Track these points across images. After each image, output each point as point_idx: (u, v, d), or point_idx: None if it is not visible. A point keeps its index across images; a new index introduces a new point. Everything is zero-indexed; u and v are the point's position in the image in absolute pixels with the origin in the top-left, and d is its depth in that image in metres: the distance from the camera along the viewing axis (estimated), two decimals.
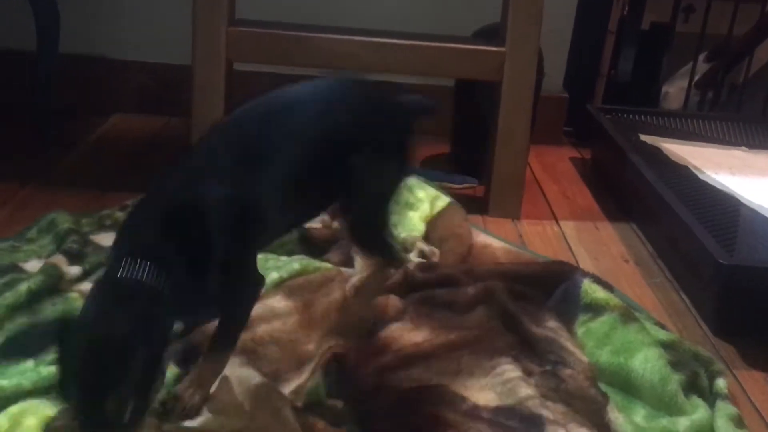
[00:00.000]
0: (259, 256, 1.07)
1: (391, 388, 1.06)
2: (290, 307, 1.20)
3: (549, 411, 1.01)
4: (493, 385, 1.07)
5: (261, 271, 1.04)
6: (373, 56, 1.72)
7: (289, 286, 1.25)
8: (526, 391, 1.05)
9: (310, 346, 1.14)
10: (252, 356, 1.09)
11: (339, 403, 1.04)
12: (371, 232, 1.12)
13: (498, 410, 1.02)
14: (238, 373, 1.04)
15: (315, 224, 1.51)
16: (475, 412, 1.02)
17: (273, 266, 1.30)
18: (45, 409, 0.96)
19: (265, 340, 1.13)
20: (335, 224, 1.51)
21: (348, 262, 1.38)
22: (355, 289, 1.26)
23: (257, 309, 1.10)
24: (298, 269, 1.29)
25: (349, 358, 1.11)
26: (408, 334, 1.19)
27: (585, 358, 1.14)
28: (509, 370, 1.09)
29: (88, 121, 2.20)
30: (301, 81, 1.11)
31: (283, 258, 1.35)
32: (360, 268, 1.33)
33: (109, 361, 0.78)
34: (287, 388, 1.05)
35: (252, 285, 1.01)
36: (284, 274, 1.28)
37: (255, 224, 0.97)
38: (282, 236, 1.27)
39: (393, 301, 1.26)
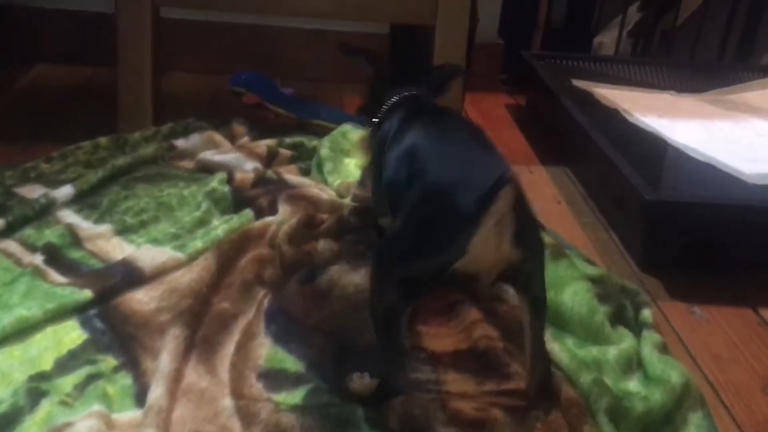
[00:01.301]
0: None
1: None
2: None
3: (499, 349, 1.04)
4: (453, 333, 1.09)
5: None
6: (303, 1, 1.69)
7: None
8: (480, 332, 1.08)
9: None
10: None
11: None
12: None
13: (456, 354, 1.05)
14: None
15: (246, 171, 1.50)
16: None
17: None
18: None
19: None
20: (268, 172, 1.51)
21: (273, 209, 1.37)
22: (287, 236, 1.26)
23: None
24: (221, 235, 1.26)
25: (294, 307, 1.12)
26: (347, 275, 1.19)
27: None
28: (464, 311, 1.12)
29: (10, 72, 2.11)
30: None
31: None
32: (286, 215, 1.32)
33: None
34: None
35: None
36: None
37: None
38: None
39: (327, 245, 1.26)
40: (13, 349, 0.99)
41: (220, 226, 1.28)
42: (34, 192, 1.39)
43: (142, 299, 1.10)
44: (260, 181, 1.47)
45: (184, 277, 1.14)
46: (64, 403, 0.91)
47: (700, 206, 1.38)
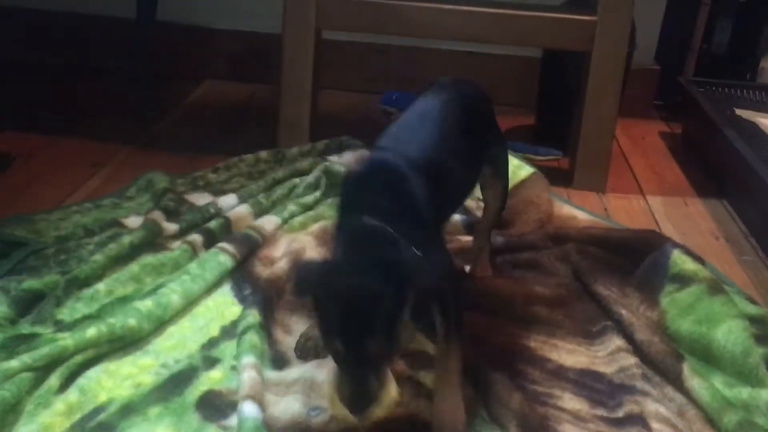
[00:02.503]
0: None
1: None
2: None
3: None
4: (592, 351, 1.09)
5: None
6: (462, 25, 1.72)
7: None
8: (628, 360, 1.07)
9: None
10: None
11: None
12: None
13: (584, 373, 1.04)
14: None
15: None
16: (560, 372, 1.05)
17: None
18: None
19: None
20: None
21: None
22: None
23: None
24: None
25: None
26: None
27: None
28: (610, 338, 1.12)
29: (181, 88, 2.28)
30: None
31: None
32: None
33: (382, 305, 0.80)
34: None
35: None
36: None
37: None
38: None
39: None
40: (183, 321, 1.15)
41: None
42: (202, 199, 1.50)
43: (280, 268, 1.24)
44: None
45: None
46: (235, 368, 1.04)
47: None
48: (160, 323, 1.13)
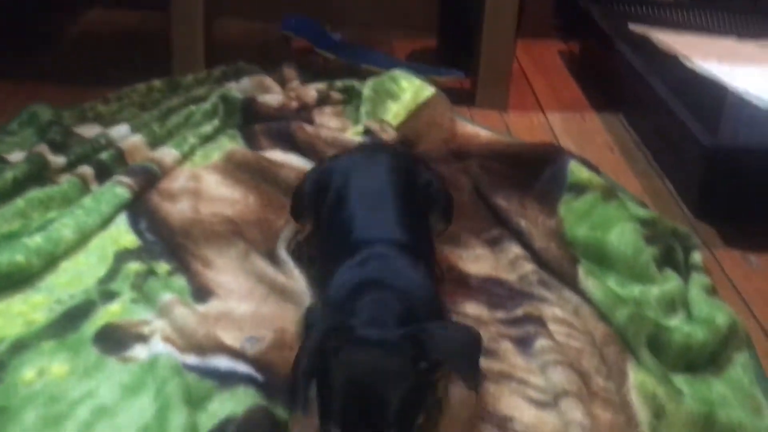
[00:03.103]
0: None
1: None
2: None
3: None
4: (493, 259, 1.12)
5: None
6: None
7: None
8: (525, 268, 1.09)
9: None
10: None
11: None
12: None
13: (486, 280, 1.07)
14: None
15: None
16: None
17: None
18: None
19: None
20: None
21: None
22: None
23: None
24: None
25: None
26: None
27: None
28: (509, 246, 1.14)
29: (66, 16, 2.14)
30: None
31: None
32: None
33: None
34: None
35: None
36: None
37: None
38: None
39: None
40: (78, 256, 1.10)
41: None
42: (91, 131, 1.43)
43: (183, 210, 1.20)
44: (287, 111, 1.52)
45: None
46: (135, 301, 1.01)
47: (759, 153, 1.34)
48: (52, 259, 1.07)
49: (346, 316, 0.76)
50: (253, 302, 1.03)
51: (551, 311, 1.02)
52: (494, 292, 1.06)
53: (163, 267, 1.08)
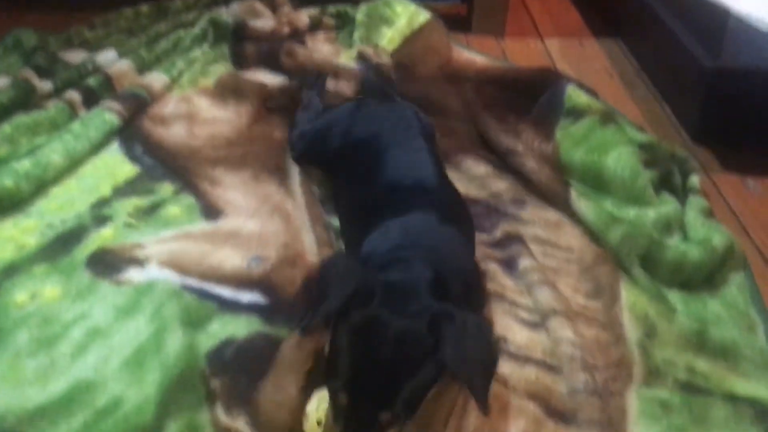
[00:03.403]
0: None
1: None
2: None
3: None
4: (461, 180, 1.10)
5: None
6: None
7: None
8: (497, 185, 1.07)
9: None
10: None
11: None
12: None
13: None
14: None
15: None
16: None
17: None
18: None
19: None
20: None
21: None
22: None
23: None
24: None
25: None
26: None
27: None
28: (474, 166, 1.13)
29: None
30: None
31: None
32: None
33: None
34: None
35: None
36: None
37: None
38: None
39: None
40: (69, 182, 1.09)
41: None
42: (77, 57, 1.40)
43: (178, 134, 1.20)
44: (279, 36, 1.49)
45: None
46: (129, 225, 1.00)
47: (760, 76, 1.31)
48: (42, 183, 1.06)
49: (382, 274, 0.74)
50: (259, 220, 1.02)
51: (531, 230, 1.02)
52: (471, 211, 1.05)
53: (167, 188, 1.08)
